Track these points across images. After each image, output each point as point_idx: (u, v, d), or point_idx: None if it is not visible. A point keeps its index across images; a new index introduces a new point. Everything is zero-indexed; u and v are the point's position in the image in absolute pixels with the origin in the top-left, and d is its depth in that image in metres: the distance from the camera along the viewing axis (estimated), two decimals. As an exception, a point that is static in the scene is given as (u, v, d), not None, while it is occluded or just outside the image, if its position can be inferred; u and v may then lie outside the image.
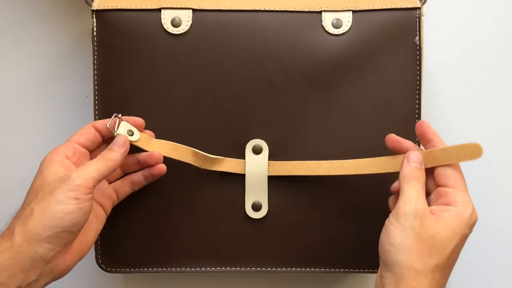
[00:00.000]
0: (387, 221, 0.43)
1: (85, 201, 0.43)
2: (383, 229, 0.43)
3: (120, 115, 0.49)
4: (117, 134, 0.48)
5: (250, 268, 0.53)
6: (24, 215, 0.42)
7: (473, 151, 0.44)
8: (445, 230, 0.42)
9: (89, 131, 0.48)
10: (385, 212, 0.52)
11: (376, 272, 0.53)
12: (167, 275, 0.59)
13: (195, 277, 0.60)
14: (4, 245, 0.41)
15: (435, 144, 0.46)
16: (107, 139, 0.49)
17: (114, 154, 0.46)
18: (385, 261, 0.43)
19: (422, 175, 0.45)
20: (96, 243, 0.53)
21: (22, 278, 0.41)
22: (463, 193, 0.44)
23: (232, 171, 0.51)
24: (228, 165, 0.51)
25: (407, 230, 0.42)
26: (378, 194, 0.51)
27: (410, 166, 0.45)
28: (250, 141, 0.51)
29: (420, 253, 0.41)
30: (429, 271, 0.41)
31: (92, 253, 0.53)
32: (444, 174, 0.45)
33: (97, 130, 0.48)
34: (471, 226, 0.44)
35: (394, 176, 0.52)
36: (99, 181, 0.44)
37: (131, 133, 0.49)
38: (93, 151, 0.49)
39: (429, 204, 0.45)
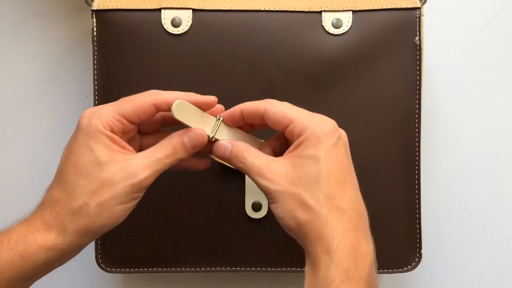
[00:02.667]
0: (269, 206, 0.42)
1: (140, 198, 0.41)
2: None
3: (221, 117, 0.43)
4: (215, 140, 0.43)
5: (250, 268, 0.53)
6: (76, 209, 0.39)
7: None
8: (303, 164, 0.40)
9: (144, 107, 0.41)
10: (385, 212, 0.52)
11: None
12: (167, 275, 0.59)
13: (195, 277, 0.60)
14: (52, 239, 0.39)
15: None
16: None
17: (185, 152, 0.41)
18: (297, 238, 0.41)
19: (239, 148, 0.42)
20: (96, 243, 0.53)
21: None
22: (299, 118, 0.41)
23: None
24: None
25: (276, 198, 0.40)
26: (378, 195, 0.51)
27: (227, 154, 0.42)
28: None
29: (298, 201, 0.39)
30: (323, 202, 0.39)
31: (92, 253, 0.53)
32: (274, 121, 0.42)
33: (157, 107, 0.41)
34: (331, 134, 0.40)
35: (394, 176, 0.52)
36: (160, 173, 0.41)
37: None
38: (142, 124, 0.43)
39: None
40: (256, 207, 0.51)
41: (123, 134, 0.41)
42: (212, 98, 0.43)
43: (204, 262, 0.52)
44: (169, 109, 0.41)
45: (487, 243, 0.60)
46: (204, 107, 0.43)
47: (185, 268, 0.53)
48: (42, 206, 0.40)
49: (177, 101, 0.41)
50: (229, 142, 0.43)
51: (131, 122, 0.41)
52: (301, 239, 0.40)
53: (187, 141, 0.41)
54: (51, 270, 0.41)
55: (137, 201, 0.41)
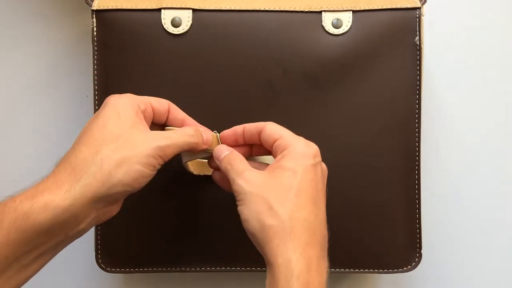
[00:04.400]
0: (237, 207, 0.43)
1: (156, 170, 0.41)
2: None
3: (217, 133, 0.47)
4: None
5: (250, 268, 0.53)
6: (97, 161, 0.38)
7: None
8: (283, 173, 0.41)
9: (163, 104, 0.46)
10: (386, 213, 0.52)
11: (375, 272, 0.53)
12: (167, 275, 0.59)
13: (195, 277, 0.60)
14: (61, 194, 0.37)
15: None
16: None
17: (200, 138, 0.45)
18: (253, 241, 0.42)
19: (228, 158, 0.44)
20: (96, 243, 0.53)
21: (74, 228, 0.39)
22: (288, 136, 0.44)
23: None
24: None
25: (245, 199, 0.41)
26: (378, 195, 0.51)
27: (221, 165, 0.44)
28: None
29: (266, 205, 0.40)
30: (292, 212, 0.40)
31: (92, 253, 0.53)
32: (267, 136, 0.44)
33: (169, 112, 0.46)
34: (313, 155, 0.43)
35: (394, 176, 0.52)
36: (179, 151, 0.43)
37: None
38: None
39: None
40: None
41: (145, 118, 0.44)
42: (187, 120, 0.47)
43: (204, 262, 0.52)
44: (175, 117, 0.46)
45: (487, 243, 0.60)
46: (178, 122, 0.47)
47: (185, 268, 0.53)
48: (55, 169, 0.39)
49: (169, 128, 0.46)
50: (229, 149, 0.45)
51: (153, 110, 0.45)
52: (262, 244, 0.40)
53: (205, 135, 0.45)
54: (58, 246, 0.39)
55: (154, 171, 0.41)
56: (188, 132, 0.44)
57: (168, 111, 0.46)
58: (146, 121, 0.44)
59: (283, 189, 0.41)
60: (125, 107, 0.42)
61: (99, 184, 0.38)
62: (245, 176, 0.42)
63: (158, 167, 0.42)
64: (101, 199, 0.39)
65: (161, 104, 0.46)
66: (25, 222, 0.36)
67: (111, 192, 0.39)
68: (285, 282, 0.38)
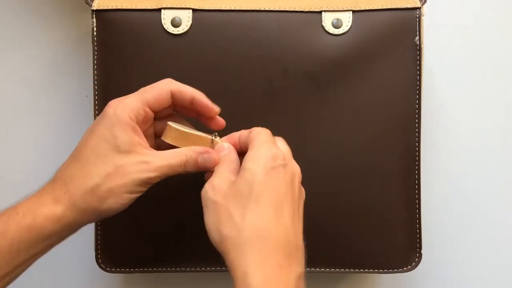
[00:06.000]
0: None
1: (143, 192, 0.43)
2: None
3: (217, 137, 0.46)
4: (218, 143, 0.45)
5: (250, 268, 0.53)
6: (88, 189, 0.41)
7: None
8: (241, 178, 0.41)
9: (162, 94, 0.44)
10: (386, 213, 0.52)
11: (375, 272, 0.53)
12: (167, 275, 0.59)
13: (195, 277, 0.60)
14: (59, 212, 0.40)
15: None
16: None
17: (194, 168, 0.44)
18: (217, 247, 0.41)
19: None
20: (96, 243, 0.52)
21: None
22: (259, 140, 0.43)
23: None
24: None
25: (209, 207, 0.41)
26: (379, 195, 0.51)
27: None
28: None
29: (226, 214, 0.39)
30: (249, 221, 0.39)
31: (92, 253, 0.53)
32: (249, 140, 0.44)
33: (173, 95, 0.44)
34: (273, 157, 0.41)
35: (394, 176, 0.52)
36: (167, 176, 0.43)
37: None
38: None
39: None
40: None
41: (144, 123, 0.44)
42: (217, 108, 0.46)
43: (204, 262, 0.52)
44: (181, 98, 0.44)
45: (487, 243, 0.60)
46: (206, 113, 0.46)
47: (185, 268, 0.53)
48: (52, 182, 0.42)
49: (170, 125, 0.45)
50: (229, 149, 0.45)
51: (152, 110, 0.44)
52: (224, 257, 0.40)
53: (200, 160, 0.44)
54: (52, 247, 0.42)
55: (141, 193, 0.43)
56: (179, 162, 0.43)
57: (172, 97, 0.44)
58: (146, 125, 0.44)
59: (242, 194, 0.40)
60: (122, 125, 0.42)
61: (92, 208, 0.41)
62: (213, 182, 0.42)
63: (145, 189, 0.43)
64: (95, 217, 0.42)
65: (160, 99, 0.44)
66: (28, 234, 0.40)
67: (104, 214, 0.42)
68: None
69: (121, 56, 0.51)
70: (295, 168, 0.44)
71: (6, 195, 0.59)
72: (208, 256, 0.52)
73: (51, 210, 0.40)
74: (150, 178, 0.42)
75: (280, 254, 0.39)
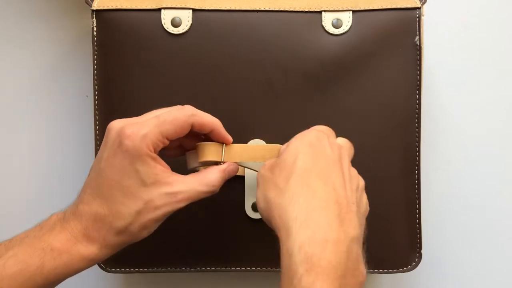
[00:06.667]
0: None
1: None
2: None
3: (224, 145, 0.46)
4: (223, 162, 0.46)
5: (250, 268, 0.53)
6: (121, 229, 0.41)
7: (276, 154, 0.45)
8: (285, 150, 0.42)
9: (183, 128, 0.43)
10: (385, 212, 0.52)
11: (375, 272, 0.53)
12: (167, 275, 0.59)
13: (195, 277, 0.60)
14: (95, 252, 0.41)
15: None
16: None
17: (215, 184, 0.44)
18: (273, 225, 0.39)
19: None
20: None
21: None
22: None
23: None
24: None
25: (259, 182, 0.42)
26: (378, 195, 0.51)
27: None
28: (250, 141, 0.51)
29: (272, 183, 0.40)
30: (294, 180, 0.38)
31: (92, 253, 0.53)
32: None
33: (193, 127, 0.43)
34: (316, 135, 0.42)
35: (394, 176, 0.52)
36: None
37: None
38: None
39: None
40: (256, 207, 0.51)
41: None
42: (231, 139, 0.46)
43: (204, 262, 0.52)
44: (201, 130, 0.44)
45: (487, 243, 0.60)
46: (219, 141, 0.46)
47: (185, 268, 0.53)
48: (81, 218, 0.41)
49: (230, 145, 0.46)
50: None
51: (169, 139, 0.43)
52: (271, 224, 0.39)
53: (227, 174, 0.45)
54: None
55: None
56: (206, 189, 0.43)
57: (192, 125, 0.43)
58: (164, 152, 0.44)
59: (286, 163, 0.40)
60: (143, 158, 0.40)
61: (125, 244, 0.42)
62: (266, 163, 0.43)
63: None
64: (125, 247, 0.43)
65: (180, 132, 0.43)
66: (64, 270, 0.41)
67: (134, 242, 0.43)
68: (287, 257, 0.35)
69: (121, 56, 0.51)
70: (344, 144, 0.44)
71: (6, 195, 0.59)
72: (209, 256, 0.52)
73: (87, 249, 0.41)
74: (179, 208, 0.43)
75: (329, 212, 0.36)
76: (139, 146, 0.40)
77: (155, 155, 0.41)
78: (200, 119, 0.43)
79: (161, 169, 0.42)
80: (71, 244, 0.41)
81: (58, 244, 0.40)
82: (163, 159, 0.42)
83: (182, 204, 0.42)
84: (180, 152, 0.47)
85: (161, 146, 0.42)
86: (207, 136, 0.46)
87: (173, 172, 0.43)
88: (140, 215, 0.41)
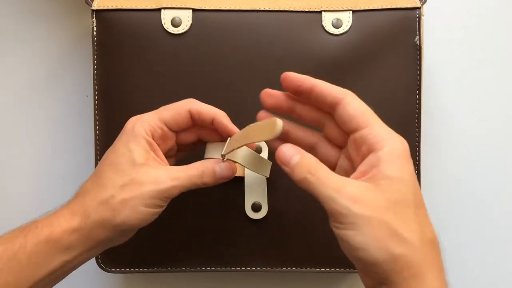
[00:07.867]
0: (334, 230, 0.36)
1: (163, 207, 0.42)
2: (339, 240, 0.36)
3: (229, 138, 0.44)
4: (226, 160, 0.44)
5: (250, 268, 0.53)
6: (102, 200, 0.41)
7: (271, 128, 0.39)
8: (390, 187, 0.35)
9: (181, 114, 0.44)
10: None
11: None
12: (167, 275, 0.59)
13: (195, 277, 0.60)
14: (75, 224, 0.40)
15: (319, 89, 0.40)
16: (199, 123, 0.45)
17: (212, 179, 0.43)
18: (364, 270, 0.36)
19: (306, 163, 0.37)
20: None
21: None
22: (378, 127, 0.38)
23: None
24: None
25: (357, 223, 0.35)
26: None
27: (294, 169, 0.38)
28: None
29: (389, 230, 0.34)
30: (418, 234, 0.35)
31: (92, 253, 0.53)
32: (348, 117, 0.38)
33: (192, 115, 0.44)
34: (409, 155, 0.37)
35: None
36: (185, 190, 0.42)
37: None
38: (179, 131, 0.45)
39: (354, 163, 0.39)
40: (256, 207, 0.51)
41: (163, 141, 0.44)
42: (235, 131, 0.44)
43: (204, 262, 0.52)
44: (201, 119, 0.44)
45: (488, 243, 0.60)
46: (224, 134, 0.45)
47: (185, 268, 0.53)
48: (72, 199, 0.43)
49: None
50: (297, 150, 0.38)
51: (170, 129, 0.44)
52: (390, 277, 0.35)
53: (218, 170, 0.43)
54: (69, 268, 0.42)
55: (160, 209, 0.42)
56: (196, 173, 0.42)
57: (191, 115, 0.44)
58: (166, 146, 0.44)
59: (401, 206, 0.35)
60: (138, 139, 0.42)
61: (105, 221, 0.41)
62: (349, 194, 0.35)
63: (165, 205, 0.42)
64: (111, 231, 0.41)
65: (178, 118, 0.44)
66: (45, 247, 0.40)
67: (120, 228, 0.41)
68: None
69: (121, 56, 0.51)
70: None
71: (6, 196, 0.59)
72: (208, 256, 0.52)
73: (68, 221, 0.41)
74: (166, 190, 0.41)
75: (442, 268, 0.36)
76: (136, 129, 0.42)
77: (151, 140, 0.43)
78: (197, 106, 0.44)
79: (154, 156, 0.42)
80: (54, 219, 0.41)
81: (43, 221, 0.41)
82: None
83: (169, 184, 0.41)
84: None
85: (159, 132, 0.43)
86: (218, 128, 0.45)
87: (167, 164, 0.44)
88: (123, 190, 0.40)
